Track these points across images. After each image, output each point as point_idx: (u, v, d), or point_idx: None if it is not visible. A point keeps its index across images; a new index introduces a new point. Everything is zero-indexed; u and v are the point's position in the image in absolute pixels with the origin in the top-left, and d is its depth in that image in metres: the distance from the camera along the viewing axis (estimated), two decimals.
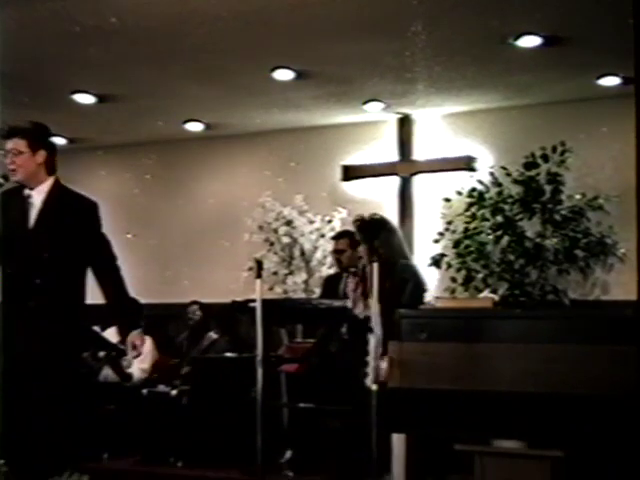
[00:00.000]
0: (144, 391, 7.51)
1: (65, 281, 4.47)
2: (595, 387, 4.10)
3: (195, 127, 9.41)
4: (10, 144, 4.55)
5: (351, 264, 6.85)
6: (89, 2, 5.91)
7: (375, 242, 5.81)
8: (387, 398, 4.69)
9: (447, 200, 8.31)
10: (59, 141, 10.06)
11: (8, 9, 5.99)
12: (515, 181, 7.85)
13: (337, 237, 7.26)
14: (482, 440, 4.45)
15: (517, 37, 6.59)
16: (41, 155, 4.57)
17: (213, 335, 8.27)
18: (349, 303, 5.75)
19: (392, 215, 8.19)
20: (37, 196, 4.55)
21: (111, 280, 4.63)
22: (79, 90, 8.13)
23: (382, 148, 9.05)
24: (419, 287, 5.81)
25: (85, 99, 8.31)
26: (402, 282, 5.64)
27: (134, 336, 4.66)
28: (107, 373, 7.58)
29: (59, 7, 5.97)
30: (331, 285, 7.02)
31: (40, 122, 4.69)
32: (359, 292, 5.73)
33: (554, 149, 7.73)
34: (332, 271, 7.78)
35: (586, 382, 4.14)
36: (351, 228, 7.37)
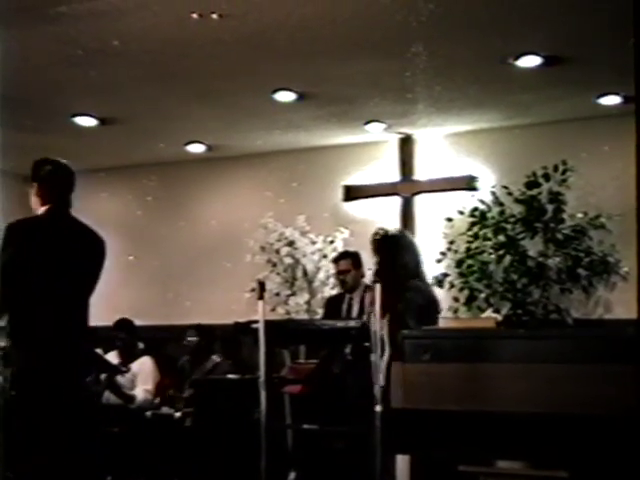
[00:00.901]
0: (147, 413, 7.50)
1: None
2: (599, 407, 4.08)
3: (196, 149, 9.43)
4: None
5: (356, 284, 6.86)
6: (92, 25, 5.93)
7: (387, 259, 5.71)
8: (391, 419, 4.67)
9: (449, 220, 8.32)
10: None
11: (10, 32, 6.02)
12: (517, 200, 7.85)
13: (339, 258, 7.26)
14: (486, 461, 4.43)
15: (518, 57, 6.61)
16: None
17: (216, 358, 8.25)
18: (365, 318, 5.69)
19: None
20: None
21: None
22: (81, 113, 8.16)
23: (383, 168, 9.06)
24: (427, 308, 5.70)
25: (87, 122, 8.34)
26: (409, 303, 5.59)
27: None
28: (109, 396, 7.56)
29: (61, 30, 5.99)
30: (333, 306, 7.03)
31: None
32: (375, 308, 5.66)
33: (555, 168, 7.73)
34: (335, 292, 7.78)
35: (590, 402, 4.12)
36: (352, 248, 7.40)
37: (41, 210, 4.71)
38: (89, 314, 4.69)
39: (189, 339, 8.44)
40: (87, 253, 4.73)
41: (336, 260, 7.31)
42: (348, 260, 7.01)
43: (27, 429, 4.40)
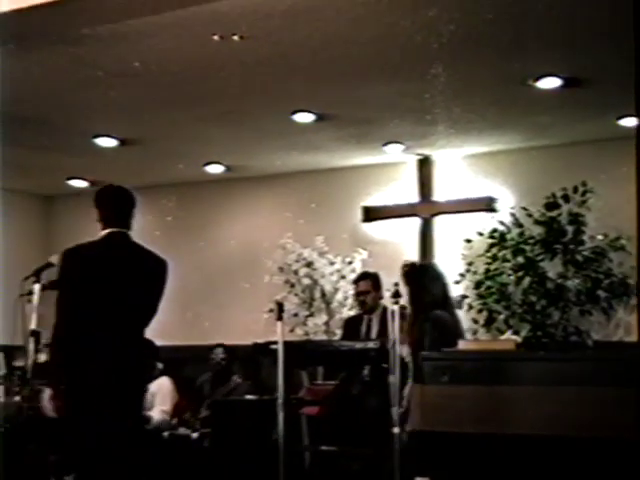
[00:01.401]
0: (165, 434, 7.49)
1: None
2: (621, 430, 4.06)
3: (216, 169, 9.46)
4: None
5: (375, 305, 6.86)
6: (113, 47, 5.97)
7: (414, 288, 5.83)
8: (409, 441, 4.66)
9: (468, 241, 8.30)
10: (81, 184, 10.16)
11: (32, 54, 6.07)
12: (536, 222, 7.83)
13: (359, 279, 7.25)
14: None
15: (537, 78, 6.61)
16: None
17: (237, 379, 8.24)
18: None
19: (412, 256, 8.18)
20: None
21: None
22: (101, 134, 8.20)
23: (402, 189, 9.06)
24: (444, 337, 5.70)
25: (107, 142, 8.38)
26: (425, 332, 5.60)
27: None
28: None
29: (83, 52, 6.03)
30: (352, 327, 7.02)
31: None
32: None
33: (575, 189, 7.71)
34: (353, 312, 7.77)
35: (610, 425, 4.10)
36: (371, 269, 7.40)
37: (102, 234, 4.80)
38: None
39: (220, 356, 8.42)
40: (146, 275, 4.79)
41: (356, 281, 7.30)
42: (368, 281, 7.01)
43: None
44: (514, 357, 4.67)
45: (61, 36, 5.77)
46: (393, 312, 5.33)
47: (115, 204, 4.86)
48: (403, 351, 5.53)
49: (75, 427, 4.50)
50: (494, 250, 7.97)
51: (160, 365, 7.84)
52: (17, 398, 6.44)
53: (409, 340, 5.10)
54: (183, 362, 8.85)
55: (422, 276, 5.98)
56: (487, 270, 7.98)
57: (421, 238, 8.91)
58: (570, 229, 7.77)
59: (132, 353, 4.61)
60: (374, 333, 6.77)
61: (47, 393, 4.52)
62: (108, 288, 4.59)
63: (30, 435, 5.80)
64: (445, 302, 5.96)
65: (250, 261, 9.35)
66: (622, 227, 7.61)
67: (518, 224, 7.92)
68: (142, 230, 10.37)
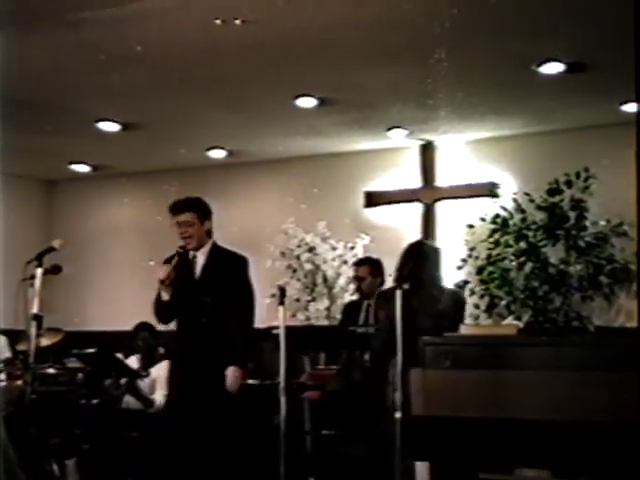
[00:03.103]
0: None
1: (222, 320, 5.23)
2: (621, 415, 4.06)
3: (218, 154, 9.46)
4: (183, 217, 5.43)
5: (372, 291, 6.83)
6: (115, 31, 5.96)
7: (405, 268, 5.65)
8: (411, 425, 4.66)
9: (470, 226, 8.30)
10: (83, 169, 10.16)
11: (33, 37, 6.05)
12: (539, 207, 7.83)
13: (358, 264, 7.23)
14: (506, 468, 4.41)
15: (540, 63, 6.59)
16: (207, 225, 5.49)
17: None
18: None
19: None
20: (201, 255, 5.42)
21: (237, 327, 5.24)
22: (103, 118, 8.19)
23: (405, 174, 9.05)
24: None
25: (109, 127, 8.37)
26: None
27: (230, 370, 5.23)
28: (129, 400, 7.57)
29: (85, 36, 6.02)
30: (351, 312, 7.01)
31: (199, 197, 5.68)
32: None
33: (578, 175, 7.70)
34: (355, 297, 7.78)
35: (612, 410, 4.10)
36: (373, 254, 7.37)
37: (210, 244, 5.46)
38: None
39: None
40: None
41: (355, 265, 7.29)
42: (366, 267, 6.97)
43: None
44: (516, 342, 4.66)
45: (62, 20, 5.76)
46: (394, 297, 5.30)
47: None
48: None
49: None
50: (496, 236, 7.97)
51: (161, 349, 7.84)
52: (19, 382, 6.45)
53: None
54: None
55: (414, 254, 5.77)
56: (489, 255, 7.98)
57: (423, 223, 8.91)
58: (572, 215, 7.77)
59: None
60: (373, 318, 6.76)
61: None
62: None
63: (32, 419, 5.81)
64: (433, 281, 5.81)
65: (252, 246, 9.28)
66: (624, 213, 7.59)
67: (520, 210, 7.91)
68: (144, 215, 10.48)
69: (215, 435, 5.27)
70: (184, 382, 5.31)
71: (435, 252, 5.92)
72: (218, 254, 5.44)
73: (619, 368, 4.13)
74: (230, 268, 5.37)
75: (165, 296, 5.27)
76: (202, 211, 5.51)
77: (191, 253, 5.40)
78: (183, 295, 5.30)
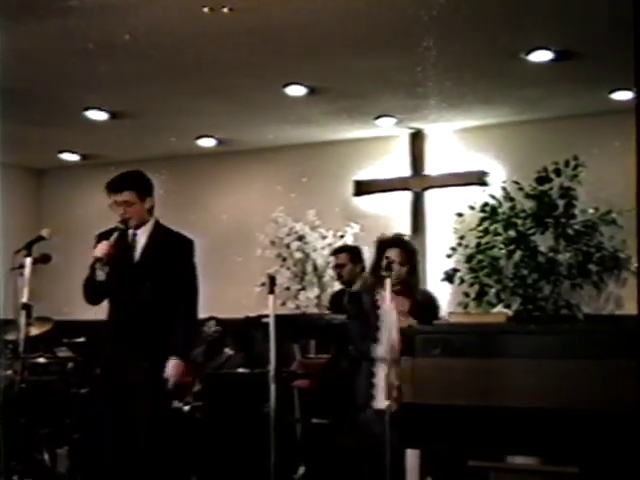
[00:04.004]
0: None
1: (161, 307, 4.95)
2: (610, 403, 4.08)
3: (207, 143, 9.44)
4: (122, 197, 5.01)
5: (352, 278, 6.83)
6: (102, 19, 5.94)
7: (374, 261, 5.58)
8: (401, 413, 4.67)
9: (459, 215, 8.31)
10: (72, 157, 10.13)
11: (21, 26, 6.03)
12: (528, 196, 7.84)
13: (336, 252, 7.25)
14: (497, 456, 4.43)
15: (529, 52, 6.60)
16: (148, 202, 5.08)
17: (229, 351, 8.25)
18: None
19: (404, 230, 8.18)
20: (142, 235, 5.06)
21: (180, 312, 4.99)
22: (92, 107, 8.17)
23: (394, 163, 9.06)
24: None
25: (98, 116, 8.35)
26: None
27: (170, 363, 4.93)
28: None
29: (72, 24, 5.99)
30: (336, 301, 7.02)
31: (140, 171, 5.22)
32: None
33: (567, 163, 7.71)
34: (339, 287, 7.79)
35: (601, 398, 4.12)
36: (362, 243, 7.37)
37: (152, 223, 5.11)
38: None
39: (213, 329, 8.42)
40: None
41: (334, 253, 7.30)
42: (345, 254, 6.98)
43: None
44: (505, 330, 4.67)
45: (50, 8, 5.74)
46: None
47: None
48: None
49: None
50: (485, 224, 7.98)
51: None
52: (9, 372, 6.44)
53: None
54: None
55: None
56: (478, 244, 7.99)
57: (413, 212, 8.92)
58: (561, 203, 7.79)
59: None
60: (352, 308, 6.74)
61: None
62: None
63: (22, 408, 5.81)
64: None
65: (242, 235, 9.35)
66: (613, 201, 7.63)
67: (509, 198, 7.92)
68: None
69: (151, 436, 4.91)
70: (116, 376, 4.92)
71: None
72: (161, 235, 5.10)
73: (608, 356, 4.14)
74: (173, 251, 5.04)
75: (100, 276, 4.89)
76: (142, 188, 5.08)
77: (131, 231, 5.05)
78: (119, 277, 4.94)
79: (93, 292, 5.06)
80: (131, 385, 4.82)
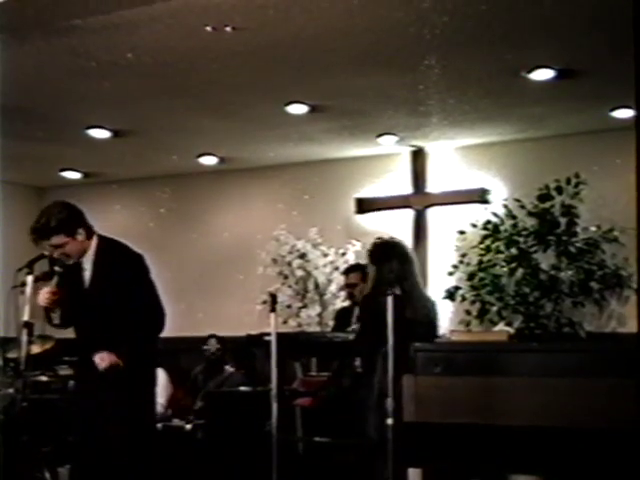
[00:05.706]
0: (158, 425, 7.48)
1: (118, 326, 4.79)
2: (613, 421, 4.07)
3: (209, 161, 9.45)
4: (52, 242, 4.82)
5: None
6: (105, 38, 5.95)
7: (382, 268, 5.45)
8: (403, 432, 4.66)
9: (461, 232, 8.31)
10: (73, 175, 10.14)
11: (25, 44, 6.05)
12: (529, 213, 7.84)
13: (348, 271, 7.24)
14: (499, 475, 4.42)
15: (530, 70, 6.61)
16: (80, 234, 4.87)
17: (229, 369, 8.25)
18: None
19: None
20: (86, 262, 4.91)
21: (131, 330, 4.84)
22: (94, 125, 8.18)
23: (396, 181, 9.06)
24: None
25: (100, 134, 8.36)
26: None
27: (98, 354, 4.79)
28: None
29: (75, 43, 6.01)
30: (343, 318, 7.01)
31: (60, 202, 4.97)
32: None
33: (568, 181, 7.72)
34: (346, 304, 7.77)
35: (603, 416, 4.11)
36: (364, 261, 7.34)
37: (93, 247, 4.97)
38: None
39: (214, 347, 8.41)
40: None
41: (346, 272, 7.29)
42: (358, 273, 6.98)
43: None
44: (507, 348, 4.67)
45: (53, 27, 5.75)
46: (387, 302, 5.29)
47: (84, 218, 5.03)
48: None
49: None
50: (487, 241, 7.98)
51: None
52: (10, 390, 6.44)
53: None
54: (177, 353, 8.85)
55: (388, 254, 5.48)
56: (480, 261, 7.99)
57: (414, 230, 8.92)
58: (563, 221, 7.78)
59: None
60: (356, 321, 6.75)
61: None
62: None
63: (24, 427, 5.80)
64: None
65: (243, 253, 9.35)
66: (615, 219, 7.62)
67: (511, 216, 7.92)
68: (135, 222, 10.46)
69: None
70: (85, 397, 4.95)
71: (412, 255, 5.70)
72: (107, 257, 4.90)
73: (611, 374, 4.14)
74: (122, 271, 4.87)
75: (56, 319, 4.92)
76: (68, 227, 4.82)
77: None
78: (74, 308, 4.89)
79: (56, 327, 5.06)
80: (100, 404, 4.77)
